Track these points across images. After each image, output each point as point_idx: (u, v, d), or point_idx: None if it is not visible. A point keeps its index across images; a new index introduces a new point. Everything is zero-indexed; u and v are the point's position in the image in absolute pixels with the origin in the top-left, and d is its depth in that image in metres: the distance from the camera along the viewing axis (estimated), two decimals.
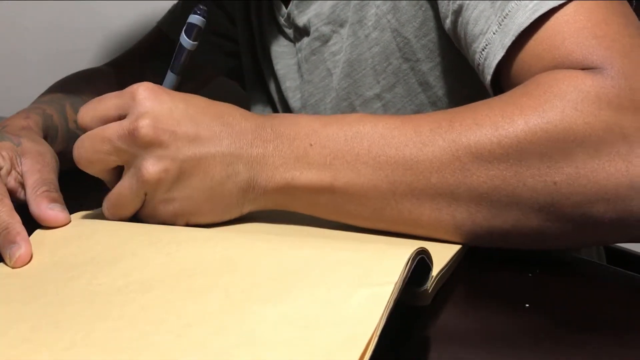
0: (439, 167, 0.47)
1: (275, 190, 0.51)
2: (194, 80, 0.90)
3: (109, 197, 0.53)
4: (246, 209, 0.53)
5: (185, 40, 0.63)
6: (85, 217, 0.57)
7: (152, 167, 0.50)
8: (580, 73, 0.46)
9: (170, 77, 0.64)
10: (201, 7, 0.62)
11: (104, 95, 0.54)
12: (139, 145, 0.50)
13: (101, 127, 0.52)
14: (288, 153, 0.50)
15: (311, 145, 0.50)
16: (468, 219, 0.48)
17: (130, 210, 0.53)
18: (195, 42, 0.63)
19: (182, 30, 0.63)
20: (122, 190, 0.52)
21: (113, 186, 0.53)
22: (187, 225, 0.53)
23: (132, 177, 0.51)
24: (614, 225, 0.46)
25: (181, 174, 0.50)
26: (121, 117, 0.52)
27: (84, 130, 0.53)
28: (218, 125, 0.51)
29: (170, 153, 0.50)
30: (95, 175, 0.54)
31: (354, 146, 0.49)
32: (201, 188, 0.51)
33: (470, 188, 0.47)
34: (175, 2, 0.94)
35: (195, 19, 0.62)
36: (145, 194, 0.51)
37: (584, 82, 0.46)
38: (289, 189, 0.51)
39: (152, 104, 0.50)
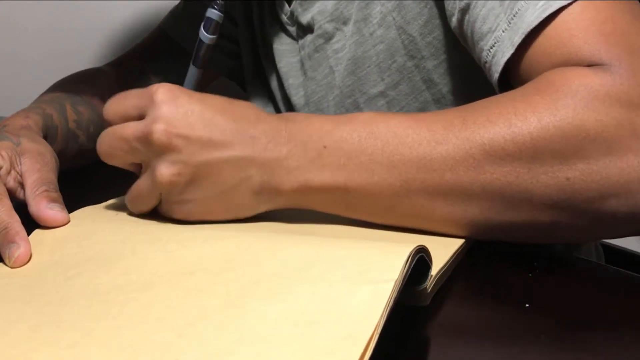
0: (453, 165, 0.48)
1: (289, 192, 0.51)
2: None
3: (130, 191, 0.55)
4: (261, 209, 0.53)
5: (204, 35, 0.65)
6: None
7: (165, 170, 0.51)
8: (589, 71, 0.47)
9: (192, 70, 0.66)
10: (218, 1, 0.64)
11: (128, 92, 0.55)
12: (153, 149, 0.51)
13: (121, 125, 0.53)
14: (302, 156, 0.51)
15: (325, 147, 0.50)
16: (481, 215, 0.48)
17: (147, 206, 0.54)
18: (214, 36, 0.65)
19: (199, 25, 0.65)
20: (140, 188, 0.54)
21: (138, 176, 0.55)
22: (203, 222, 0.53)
23: (147, 178, 0.52)
24: (626, 220, 0.46)
25: (194, 177, 0.51)
26: (141, 116, 0.53)
27: (107, 124, 0.55)
28: (232, 129, 0.51)
29: (184, 157, 0.51)
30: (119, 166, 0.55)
31: (367, 146, 0.50)
32: (214, 191, 0.52)
33: (484, 185, 0.47)
34: (177, 3, 0.94)
35: (212, 13, 0.64)
36: (161, 194, 0.53)
37: (594, 80, 0.46)
38: (304, 191, 0.51)
39: (168, 107, 0.51)
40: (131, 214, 0.56)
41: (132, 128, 0.52)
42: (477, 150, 0.47)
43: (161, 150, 0.51)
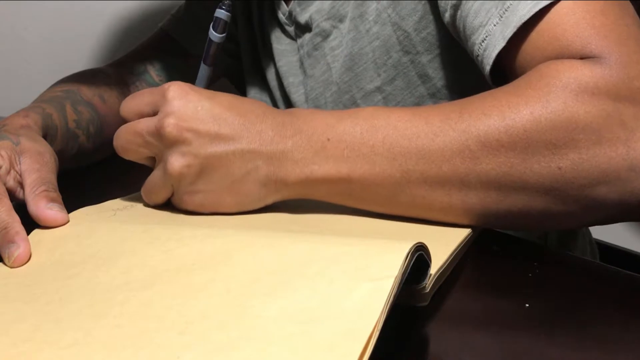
0: (450, 156, 0.50)
1: (295, 183, 0.53)
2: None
3: (145, 184, 0.58)
4: (269, 200, 0.55)
5: (213, 34, 0.68)
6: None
7: (176, 162, 0.53)
8: (579, 63, 0.49)
9: (202, 68, 0.70)
10: (226, 2, 0.67)
11: (142, 90, 0.58)
12: (165, 142, 0.54)
13: (136, 121, 0.56)
14: (307, 148, 0.53)
15: (328, 139, 0.53)
16: (478, 204, 0.50)
17: (161, 198, 0.57)
18: (223, 35, 0.68)
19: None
20: (154, 180, 0.56)
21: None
22: (213, 213, 0.55)
23: (160, 169, 0.55)
24: (616, 206, 0.48)
25: (203, 169, 0.53)
26: (155, 113, 0.55)
27: (123, 120, 0.58)
28: (240, 123, 0.54)
29: (193, 150, 0.53)
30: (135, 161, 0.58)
31: (369, 139, 0.52)
32: (222, 183, 0.54)
33: (480, 175, 0.49)
34: (178, 6, 0.94)
35: (221, 13, 0.68)
36: (172, 185, 0.55)
37: (583, 73, 0.48)
38: (308, 181, 0.53)
39: (179, 103, 0.54)
40: (130, 213, 0.57)
41: (145, 123, 0.55)
42: (472, 142, 0.49)
43: (172, 143, 0.53)
